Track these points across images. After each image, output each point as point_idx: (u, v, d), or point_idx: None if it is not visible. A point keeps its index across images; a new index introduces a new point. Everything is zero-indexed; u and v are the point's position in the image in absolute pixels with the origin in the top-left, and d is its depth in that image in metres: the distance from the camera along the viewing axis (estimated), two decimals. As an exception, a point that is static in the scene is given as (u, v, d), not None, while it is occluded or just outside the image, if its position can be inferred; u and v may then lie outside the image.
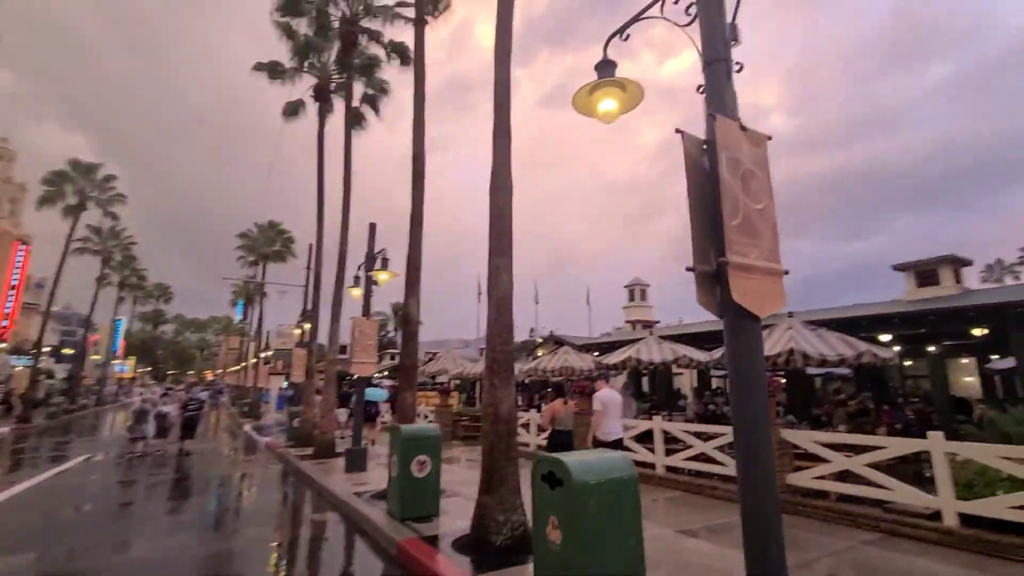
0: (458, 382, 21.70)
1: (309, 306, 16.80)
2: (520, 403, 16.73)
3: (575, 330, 31.82)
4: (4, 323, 35.41)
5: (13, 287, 36.04)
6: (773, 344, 8.09)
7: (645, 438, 8.65)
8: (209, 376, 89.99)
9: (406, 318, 8.13)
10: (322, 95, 15.29)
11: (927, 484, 5.82)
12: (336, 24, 13.89)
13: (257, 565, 5.30)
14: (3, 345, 35.56)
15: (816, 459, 6.52)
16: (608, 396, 6.91)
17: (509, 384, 5.21)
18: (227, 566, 5.28)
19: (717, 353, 9.41)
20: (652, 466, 8.03)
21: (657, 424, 8.23)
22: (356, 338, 10.02)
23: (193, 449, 13.34)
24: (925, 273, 12.70)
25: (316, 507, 7.61)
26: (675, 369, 14.01)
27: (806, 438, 6.52)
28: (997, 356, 16.37)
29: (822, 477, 6.22)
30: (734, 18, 3.32)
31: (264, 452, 13.87)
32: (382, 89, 15.57)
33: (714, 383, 24.23)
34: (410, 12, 12.84)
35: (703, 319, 22.58)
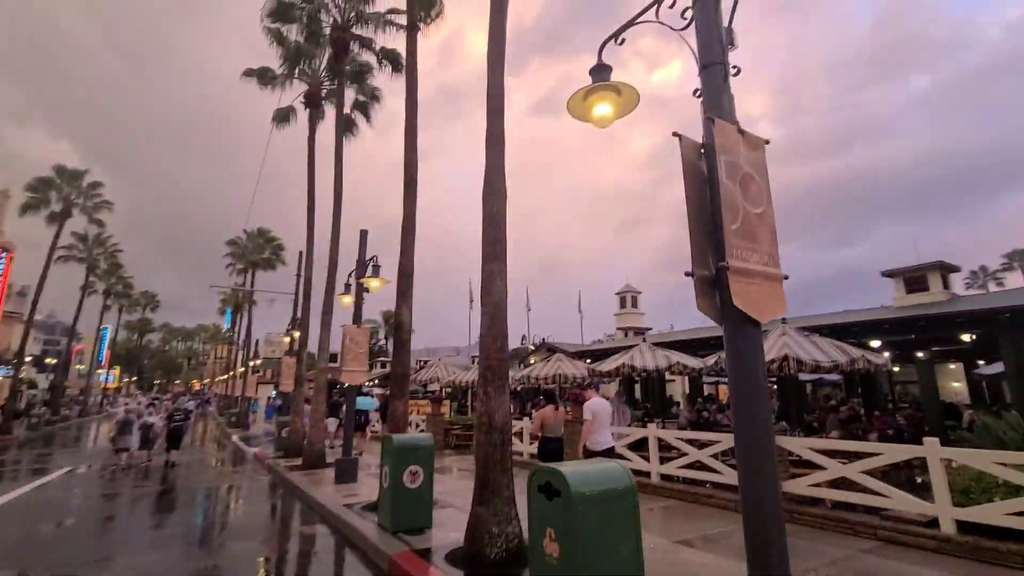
0: (450, 390, 21.53)
1: (299, 314, 16.60)
2: (513, 411, 16.60)
3: (567, 337, 31.77)
4: (-15, 332, 34.61)
5: (-6, 295, 35.29)
6: (767, 350, 8.08)
7: (639, 446, 8.59)
8: (196, 385, 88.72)
9: (398, 325, 8.02)
10: (313, 101, 15.22)
11: (921, 490, 5.81)
12: (327, 30, 13.85)
13: (244, 581, 5.14)
14: (-17, 355, 34.74)
15: (811, 466, 6.49)
16: (598, 405, 6.81)
17: (503, 392, 5.12)
18: (212, 582, 5.12)
19: (710, 360, 9.39)
20: (647, 474, 7.96)
21: (652, 432, 8.16)
22: (347, 346, 9.87)
23: (179, 461, 13.05)
24: (914, 279, 12.82)
25: (305, 519, 7.43)
26: (667, 376, 14.00)
27: (801, 445, 6.49)
28: (983, 362, 16.58)
29: (817, 485, 6.19)
30: (730, 22, 3.31)
31: (252, 463, 13.61)
32: (374, 96, 15.54)
33: (706, 390, 24.29)
34: (402, 19, 12.83)
35: (694, 326, 22.64)
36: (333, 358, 17.50)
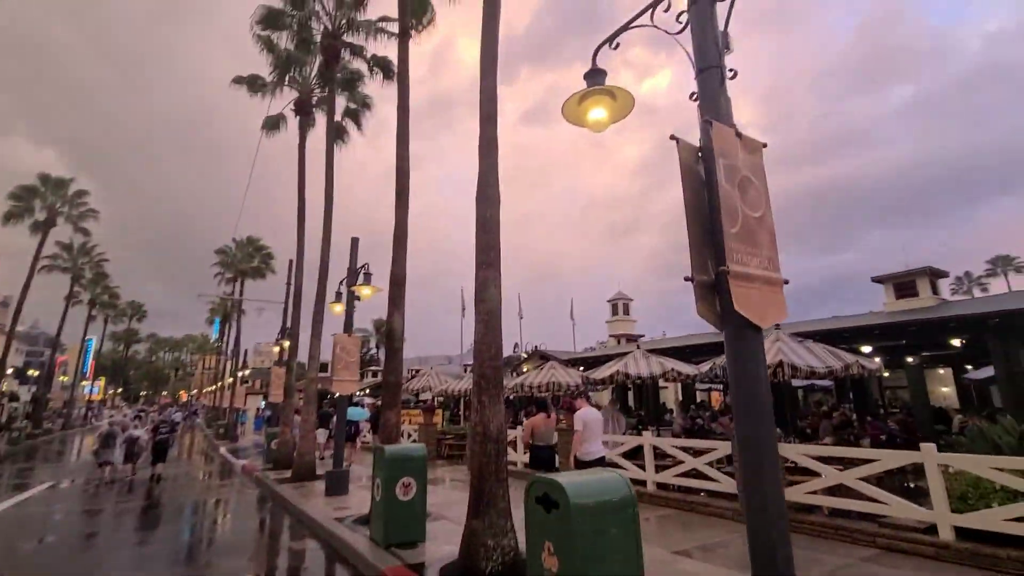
0: (442, 399, 21.33)
1: (288, 323, 16.39)
2: (506, 420, 16.43)
3: (559, 344, 31.71)
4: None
5: (-25, 306, 34.59)
6: (761, 356, 8.04)
7: (633, 454, 8.52)
8: (183, 397, 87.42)
9: (390, 334, 7.91)
10: (303, 109, 15.13)
11: (917, 496, 5.79)
12: (318, 38, 13.80)
13: (230, 599, 4.97)
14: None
15: (807, 473, 6.46)
16: (589, 415, 6.75)
17: (498, 401, 5.03)
18: (197, 601, 4.94)
19: (705, 366, 9.36)
20: (643, 483, 7.88)
21: (647, 440, 8.09)
22: (337, 355, 9.73)
23: (165, 474, 12.75)
24: (903, 285, 12.93)
25: (294, 534, 7.25)
26: (660, 383, 13.96)
27: (797, 452, 6.45)
28: (971, 367, 16.73)
29: (814, 492, 6.14)
30: (726, 26, 3.28)
31: (240, 476, 13.33)
32: (365, 103, 15.49)
33: (698, 396, 24.28)
34: (393, 27, 12.84)
35: (686, 332, 22.67)
36: (324, 367, 17.30)
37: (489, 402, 4.96)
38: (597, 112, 3.86)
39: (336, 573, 5.58)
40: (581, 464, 6.49)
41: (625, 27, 3.83)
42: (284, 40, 14.01)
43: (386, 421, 7.65)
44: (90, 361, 54.27)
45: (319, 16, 13.54)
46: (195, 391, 78.27)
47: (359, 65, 14.66)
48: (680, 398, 20.59)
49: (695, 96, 3.14)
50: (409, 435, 15.36)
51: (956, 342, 10.40)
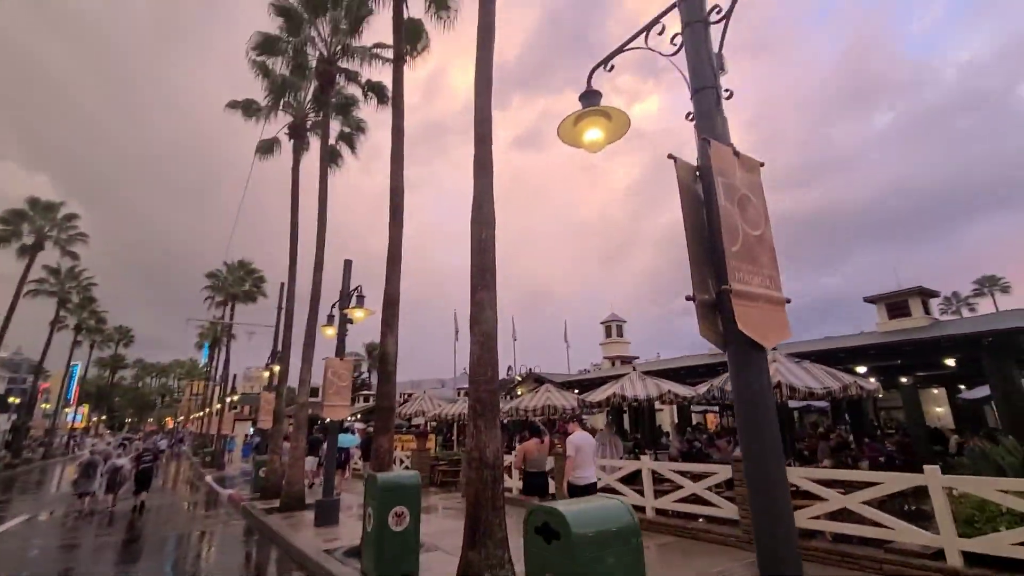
0: (435, 424, 20.96)
1: (279, 347, 16.13)
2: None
3: (552, 367, 31.44)
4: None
5: (-42, 332, 33.82)
6: (758, 378, 7.95)
7: (631, 479, 8.34)
8: (169, 423, 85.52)
9: (383, 357, 7.76)
10: (298, 133, 15.20)
11: (920, 520, 5.66)
12: (313, 63, 13.95)
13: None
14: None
15: (808, 496, 6.31)
16: (582, 439, 6.69)
17: (494, 426, 4.90)
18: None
19: (702, 388, 9.26)
20: (642, 509, 7.68)
21: (646, 464, 7.93)
22: (329, 379, 9.53)
23: (148, 505, 12.31)
24: (895, 305, 13.00)
25: (282, 568, 6.97)
26: (656, 405, 13.81)
27: (799, 475, 6.32)
28: (964, 386, 16.74)
29: (816, 517, 6.00)
30: (720, 47, 3.32)
31: (227, 506, 12.90)
32: (359, 128, 15.60)
33: (694, 419, 24.06)
34: (388, 53, 13.02)
35: (680, 354, 22.60)
36: (314, 392, 16.98)
37: (485, 427, 4.84)
38: (593, 133, 3.86)
39: (325, 609, 5.33)
40: (574, 489, 6.43)
41: (620, 49, 3.87)
42: (279, 65, 14.15)
43: (378, 447, 7.44)
44: (74, 387, 53.05)
45: (314, 42, 13.71)
46: (182, 418, 76.61)
47: (354, 90, 14.83)
48: (676, 420, 20.38)
49: (691, 116, 3.14)
50: (402, 461, 15.01)
51: (951, 362, 10.39)
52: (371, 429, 19.68)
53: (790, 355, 9.22)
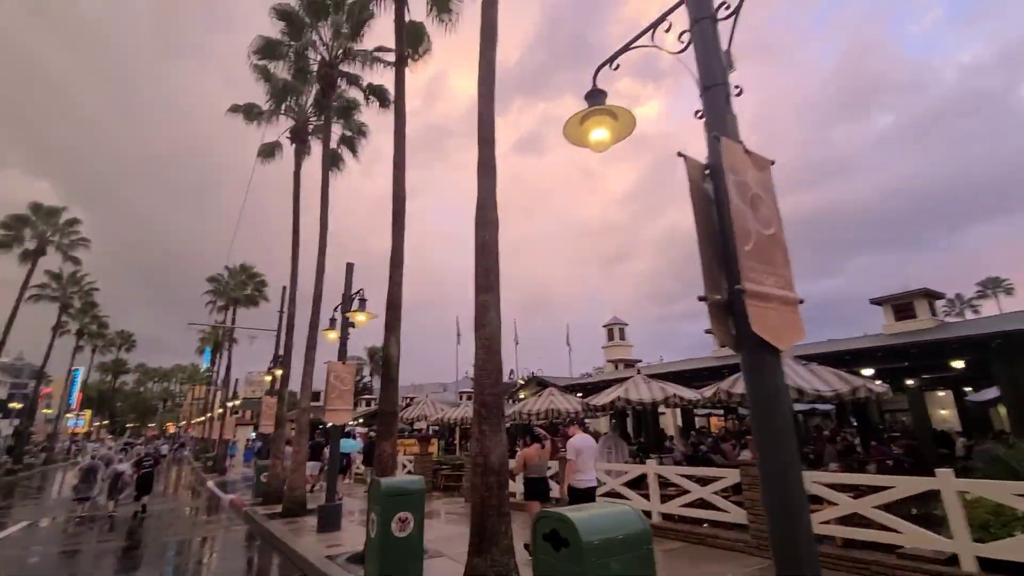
0: (436, 428, 20.89)
1: (281, 351, 16.08)
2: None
3: (554, 370, 31.38)
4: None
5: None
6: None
7: (636, 484, 8.26)
8: (171, 428, 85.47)
9: (386, 360, 7.69)
10: (299, 137, 15.18)
11: (932, 525, 5.55)
12: (315, 67, 13.94)
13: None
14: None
15: (817, 501, 6.22)
16: (582, 442, 6.66)
17: (500, 430, 4.83)
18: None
19: (708, 391, 9.18)
20: (648, 514, 7.58)
21: (651, 468, 7.84)
22: (331, 383, 9.46)
23: (149, 510, 12.23)
24: (901, 307, 12.90)
25: (284, 574, 6.89)
26: (660, 408, 13.72)
27: (809, 479, 6.23)
28: (970, 389, 16.60)
29: (826, 522, 5.91)
30: (729, 45, 3.26)
31: (228, 511, 12.82)
32: (360, 131, 15.58)
33: (697, 422, 23.92)
34: (389, 56, 13.02)
35: (681, 357, 22.50)
36: (316, 396, 16.91)
37: (490, 431, 4.77)
38: (599, 132, 3.81)
39: (328, 617, 5.25)
40: (574, 492, 6.43)
41: (626, 47, 3.82)
42: (281, 69, 14.15)
43: (382, 452, 7.36)
44: (76, 393, 53.09)
45: (316, 46, 13.72)
46: (183, 422, 76.57)
47: (355, 94, 14.81)
48: (680, 424, 20.27)
49: (700, 114, 3.09)
50: (404, 466, 14.92)
51: (958, 364, 10.29)
52: (372, 434, 19.61)
53: (796, 357, 9.14)
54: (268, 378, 20.64)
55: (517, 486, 10.44)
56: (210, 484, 18.97)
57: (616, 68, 3.91)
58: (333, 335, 10.39)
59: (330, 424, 10.02)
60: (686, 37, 3.30)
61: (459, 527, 8.57)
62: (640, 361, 29.05)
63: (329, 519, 8.82)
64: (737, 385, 8.47)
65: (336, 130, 14.92)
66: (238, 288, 33.09)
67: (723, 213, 2.71)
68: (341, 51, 13.50)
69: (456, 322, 31.19)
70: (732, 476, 6.84)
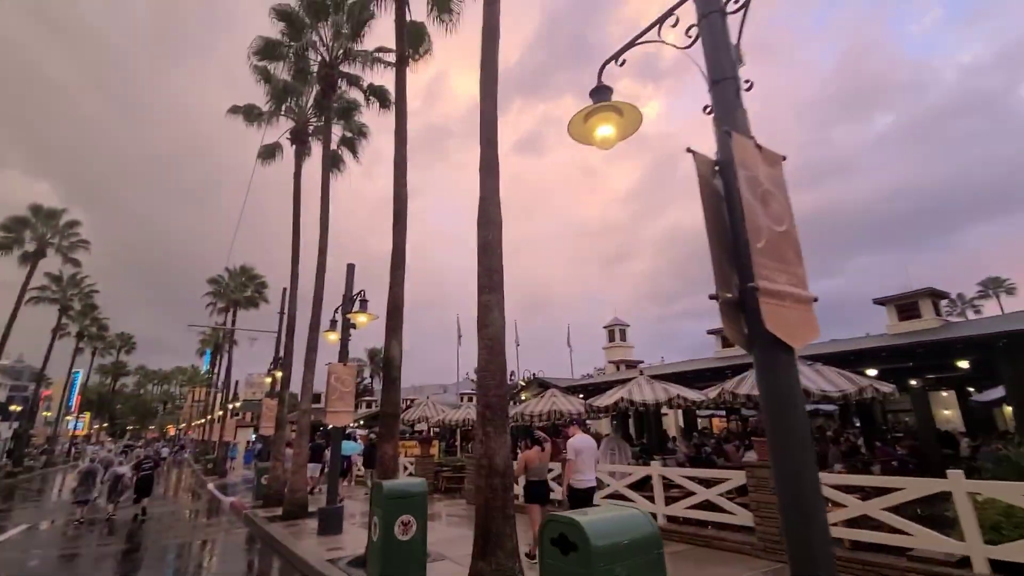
0: (437, 430, 20.78)
1: (282, 352, 16.01)
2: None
3: (555, 372, 31.24)
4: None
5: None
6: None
7: (639, 485, 8.19)
8: (171, 431, 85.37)
9: (388, 362, 7.63)
10: (299, 138, 15.13)
11: (941, 527, 5.47)
12: (315, 68, 13.90)
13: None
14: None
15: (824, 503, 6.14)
16: (582, 442, 6.65)
17: (504, 432, 4.77)
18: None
19: (713, 392, 9.11)
20: (652, 516, 7.50)
21: (656, 470, 7.77)
22: (332, 385, 9.40)
23: (149, 513, 12.16)
24: (906, 306, 12.81)
25: (285, 578, 6.82)
26: (662, 410, 13.64)
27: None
28: (973, 389, 16.52)
29: (835, 524, 5.84)
30: (739, 39, 3.21)
31: (228, 514, 12.74)
32: (361, 132, 15.53)
33: (699, 423, 23.84)
34: (390, 57, 12.98)
35: (682, 358, 22.43)
36: (317, 398, 16.83)
37: (495, 433, 4.70)
38: (604, 129, 3.75)
39: (330, 622, 5.18)
40: (574, 492, 6.44)
41: (632, 43, 3.76)
42: (281, 70, 14.10)
43: (383, 454, 7.29)
44: (76, 395, 53.00)
45: (316, 47, 13.67)
46: (183, 425, 76.46)
47: (355, 95, 14.77)
48: (681, 425, 20.18)
49: (708, 109, 3.03)
50: (405, 468, 14.85)
51: (964, 364, 10.21)
52: (373, 436, 19.53)
53: (801, 358, 9.07)
54: (268, 380, 20.56)
55: (517, 489, 10.39)
56: (210, 486, 18.89)
57: (622, 64, 3.85)
58: (334, 336, 10.33)
59: (331, 426, 9.95)
60: (694, 32, 3.26)
61: (461, 529, 8.50)
62: (642, 362, 28.98)
63: (330, 522, 8.75)
64: (742, 386, 8.40)
65: (336, 131, 14.88)
66: (238, 290, 33.04)
67: (734, 209, 2.65)
68: (341, 52, 13.45)
69: (456, 323, 31.10)
70: (738, 478, 6.77)
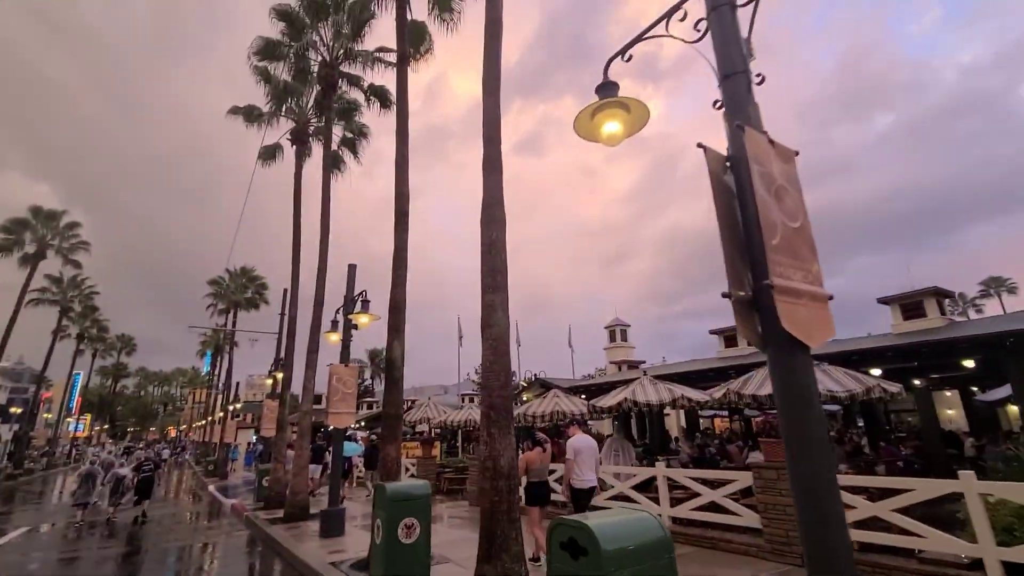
0: (439, 431, 20.71)
1: (282, 353, 15.95)
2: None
3: (556, 372, 31.18)
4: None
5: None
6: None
7: (643, 486, 8.11)
8: (172, 432, 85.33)
9: (390, 363, 7.56)
10: (300, 138, 15.06)
11: (951, 528, 5.41)
12: (315, 68, 13.84)
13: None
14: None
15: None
16: (582, 442, 6.63)
17: (508, 433, 4.70)
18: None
19: (718, 392, 9.03)
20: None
21: (661, 471, 7.70)
22: (333, 386, 9.34)
23: (150, 515, 12.10)
24: (910, 305, 12.75)
25: (287, 581, 6.75)
26: (665, 410, 13.57)
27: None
28: (977, 389, 16.42)
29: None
30: (749, 33, 3.15)
31: (230, 516, 12.68)
32: (361, 132, 15.48)
33: (701, 423, 23.74)
34: (391, 57, 12.92)
35: (683, 358, 22.34)
36: (318, 400, 16.76)
37: (499, 434, 4.64)
38: (611, 125, 3.69)
39: (332, 626, 5.12)
40: (575, 492, 6.45)
41: (639, 38, 3.70)
42: (281, 70, 14.04)
43: (386, 456, 7.23)
44: (76, 397, 52.95)
45: (316, 47, 13.61)
46: (184, 426, 76.38)
47: (356, 95, 14.72)
48: (684, 425, 20.11)
49: (719, 104, 2.97)
50: (407, 469, 14.78)
51: (969, 363, 10.14)
52: (373, 437, 19.44)
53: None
54: (269, 381, 20.50)
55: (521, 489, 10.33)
56: (211, 488, 18.82)
57: (628, 60, 3.80)
58: (335, 337, 10.27)
59: (332, 427, 9.89)
60: (702, 26, 3.20)
61: (464, 531, 8.44)
62: (643, 362, 28.92)
63: (332, 524, 8.68)
64: (747, 386, 8.34)
65: (337, 132, 14.82)
66: (239, 291, 32.98)
67: (746, 205, 2.59)
68: (342, 52, 13.39)
69: (458, 323, 31.01)
70: (744, 479, 6.71)
